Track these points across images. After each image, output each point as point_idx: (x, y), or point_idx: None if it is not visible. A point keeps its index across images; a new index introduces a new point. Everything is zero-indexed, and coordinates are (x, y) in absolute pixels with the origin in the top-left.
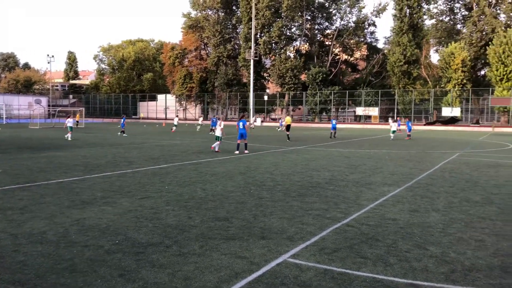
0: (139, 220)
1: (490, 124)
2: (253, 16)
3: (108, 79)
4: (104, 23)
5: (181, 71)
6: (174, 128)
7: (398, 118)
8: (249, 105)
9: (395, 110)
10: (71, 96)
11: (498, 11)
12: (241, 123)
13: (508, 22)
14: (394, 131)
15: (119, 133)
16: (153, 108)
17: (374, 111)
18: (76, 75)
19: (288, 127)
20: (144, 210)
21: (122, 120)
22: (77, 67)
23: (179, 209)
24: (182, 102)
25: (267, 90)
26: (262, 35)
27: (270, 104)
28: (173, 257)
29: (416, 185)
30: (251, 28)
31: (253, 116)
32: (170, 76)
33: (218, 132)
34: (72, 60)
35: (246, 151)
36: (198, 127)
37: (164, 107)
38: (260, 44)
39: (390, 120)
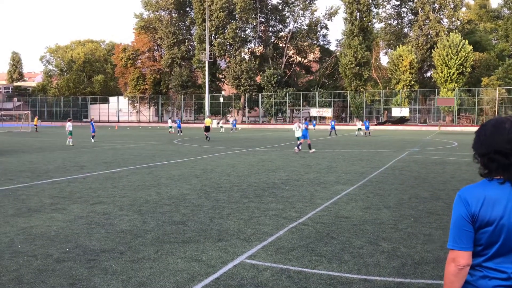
0: (91, 226)
1: (437, 123)
2: (207, 17)
3: (56, 81)
4: (51, 22)
5: (133, 73)
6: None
7: (366, 119)
8: (205, 107)
9: (348, 111)
10: (15, 99)
11: (441, 16)
12: (302, 125)
13: (451, 27)
14: (359, 129)
15: (91, 138)
16: (105, 111)
17: (327, 112)
18: (21, 76)
19: (207, 128)
20: (96, 216)
21: (91, 124)
22: (22, 68)
23: (133, 214)
24: (135, 104)
25: (223, 92)
26: (216, 36)
27: (226, 105)
28: (127, 263)
29: (368, 183)
30: (205, 30)
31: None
32: (122, 78)
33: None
34: (16, 61)
35: (311, 150)
36: (222, 129)
37: (117, 109)
38: (214, 46)
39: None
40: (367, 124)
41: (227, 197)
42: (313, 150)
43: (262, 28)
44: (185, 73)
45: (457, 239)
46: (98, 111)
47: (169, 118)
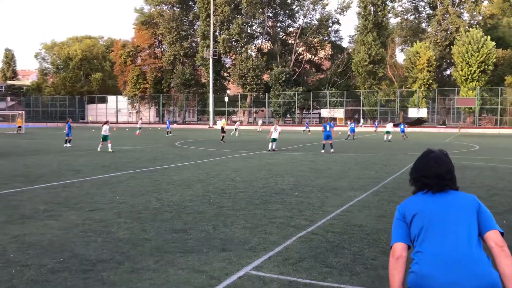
0: (87, 234)
1: (456, 125)
2: (211, 12)
3: (52, 80)
4: (47, 18)
5: (133, 71)
6: (138, 131)
7: (402, 122)
8: (209, 107)
9: (361, 112)
10: (8, 98)
11: (462, 10)
12: (327, 126)
13: (471, 22)
14: (388, 132)
15: (66, 143)
16: (102, 111)
17: (339, 113)
18: (14, 75)
19: (222, 130)
20: (93, 224)
21: (68, 126)
22: (15, 66)
23: (132, 221)
24: (135, 104)
25: (228, 91)
26: (221, 32)
27: (231, 106)
28: (125, 274)
29: (382, 189)
30: (209, 25)
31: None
32: (122, 76)
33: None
34: (10, 59)
35: (332, 150)
36: (260, 128)
37: (115, 109)
38: (219, 42)
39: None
40: (402, 127)
41: (232, 204)
42: (332, 150)
43: (270, 23)
44: (187, 71)
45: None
46: (95, 111)
47: (140, 119)
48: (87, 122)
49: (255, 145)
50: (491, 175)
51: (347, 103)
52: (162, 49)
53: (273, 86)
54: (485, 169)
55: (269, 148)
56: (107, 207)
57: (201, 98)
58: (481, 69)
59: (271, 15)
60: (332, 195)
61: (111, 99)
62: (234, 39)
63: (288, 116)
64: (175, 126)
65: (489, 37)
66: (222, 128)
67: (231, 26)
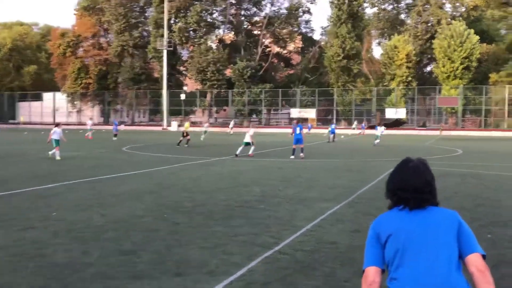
0: (17, 259)
1: (438, 127)
2: None
3: None
4: None
5: (74, 64)
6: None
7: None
8: (162, 106)
9: (334, 112)
10: None
11: (444, 1)
12: (298, 128)
13: (454, 13)
14: (377, 136)
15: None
16: (37, 110)
17: (311, 113)
18: None
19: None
20: (25, 245)
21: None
22: None
23: (71, 241)
24: (76, 103)
25: (185, 88)
26: (177, 20)
27: (189, 104)
28: None
29: (357, 200)
30: (163, 12)
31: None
32: (60, 70)
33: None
34: None
35: (301, 154)
36: (203, 135)
37: (52, 108)
38: (174, 32)
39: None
40: (332, 127)
41: (188, 220)
42: (302, 155)
43: (232, 11)
44: (137, 64)
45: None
46: (28, 110)
47: (90, 119)
48: (18, 123)
49: (218, 149)
50: (475, 183)
51: (319, 103)
52: (108, 39)
53: (236, 83)
54: (468, 176)
55: (237, 152)
56: (41, 225)
57: (154, 96)
58: (464, 65)
59: (234, 1)
60: (302, 207)
61: (47, 96)
62: (191, 29)
63: (254, 116)
64: (122, 127)
65: (472, 31)
66: (184, 132)
67: (188, 14)
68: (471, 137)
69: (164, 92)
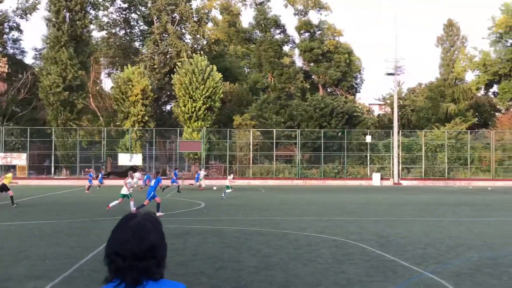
0: None
1: (180, 175)
2: None
3: None
4: None
5: None
6: None
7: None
8: None
9: (52, 157)
10: None
11: (184, 31)
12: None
13: (195, 46)
14: (228, 186)
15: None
16: None
17: (21, 159)
18: None
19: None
20: None
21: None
22: None
23: None
24: None
25: None
26: None
27: None
28: None
29: (77, 273)
30: None
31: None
32: None
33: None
34: None
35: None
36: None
37: None
38: None
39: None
40: (198, 175)
41: None
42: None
43: None
44: None
45: None
46: None
47: None
48: None
49: None
50: (216, 241)
51: (33, 145)
52: None
53: None
54: (210, 233)
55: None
56: None
57: None
58: (208, 105)
59: None
60: None
61: None
62: None
63: None
64: None
65: (215, 67)
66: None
67: None
68: (219, 185)
69: None
